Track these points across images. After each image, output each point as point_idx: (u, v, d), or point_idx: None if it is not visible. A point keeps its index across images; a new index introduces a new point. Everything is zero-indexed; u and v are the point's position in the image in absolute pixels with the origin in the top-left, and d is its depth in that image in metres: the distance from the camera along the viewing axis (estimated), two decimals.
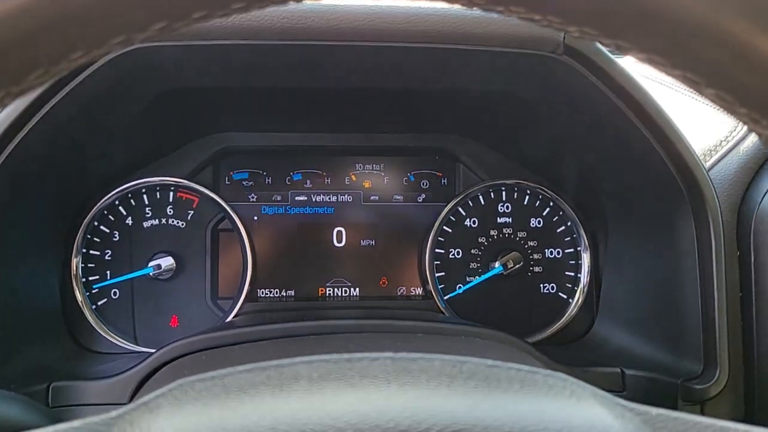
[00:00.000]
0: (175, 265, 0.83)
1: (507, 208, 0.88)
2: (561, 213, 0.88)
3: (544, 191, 0.88)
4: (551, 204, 0.88)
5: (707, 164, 0.70)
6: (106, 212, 0.83)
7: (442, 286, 0.87)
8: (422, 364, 0.35)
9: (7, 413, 0.50)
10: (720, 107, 0.30)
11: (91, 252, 0.82)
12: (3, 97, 0.24)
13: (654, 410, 0.34)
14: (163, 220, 0.84)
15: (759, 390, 0.65)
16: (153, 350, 0.67)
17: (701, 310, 0.66)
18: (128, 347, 0.81)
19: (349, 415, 0.30)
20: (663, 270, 0.72)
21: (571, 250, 0.88)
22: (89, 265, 0.82)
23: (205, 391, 0.33)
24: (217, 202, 0.85)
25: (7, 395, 0.51)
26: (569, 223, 0.88)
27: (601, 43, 0.27)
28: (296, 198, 0.88)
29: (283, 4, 0.26)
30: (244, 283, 0.84)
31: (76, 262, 0.81)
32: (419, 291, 0.88)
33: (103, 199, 0.82)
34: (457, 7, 0.27)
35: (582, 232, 0.87)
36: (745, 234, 0.66)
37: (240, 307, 0.84)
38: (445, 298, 0.87)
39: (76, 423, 0.32)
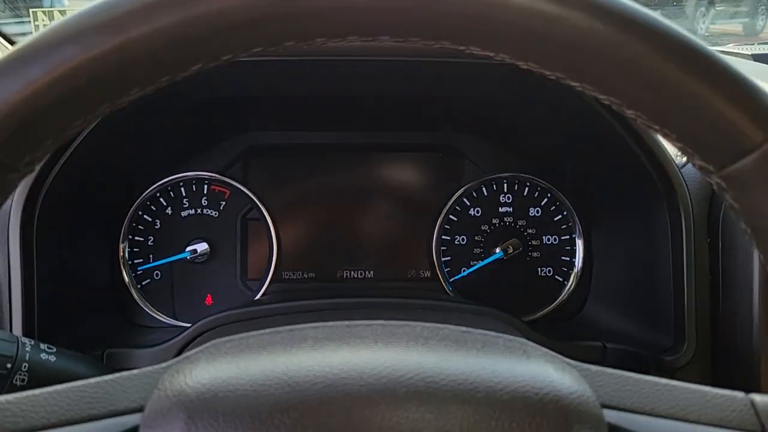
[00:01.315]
0: (209, 249, 0.93)
1: (508, 198, 0.97)
2: (557, 204, 0.96)
3: (542, 184, 0.96)
4: (548, 195, 0.96)
5: (683, 161, 0.77)
6: (149, 203, 0.94)
7: (448, 269, 0.96)
8: (406, 329, 0.44)
9: (75, 369, 0.61)
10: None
11: (137, 238, 0.93)
12: (105, 108, 0.34)
13: (594, 367, 0.43)
14: (199, 210, 0.95)
15: (723, 361, 0.73)
16: (190, 324, 0.77)
17: (673, 291, 0.75)
18: (168, 322, 0.92)
19: (342, 365, 0.39)
20: (643, 256, 0.81)
21: (567, 237, 0.96)
22: (135, 249, 0.93)
23: (233, 348, 0.42)
24: (246, 194, 0.95)
25: (74, 355, 0.62)
26: (565, 213, 0.96)
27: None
28: (316, 190, 0.97)
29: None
30: (271, 266, 0.95)
31: (123, 246, 0.92)
32: (428, 273, 0.97)
33: (146, 192, 0.93)
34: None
35: (576, 221, 0.95)
36: (715, 223, 0.74)
37: (267, 287, 0.94)
38: (451, 280, 0.96)
39: (135, 371, 0.42)
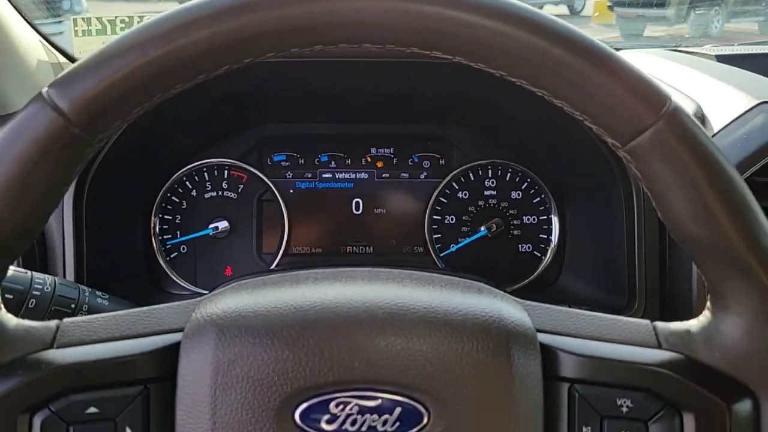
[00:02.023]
0: (229, 227, 1.06)
1: (492, 183, 1.09)
2: (536, 187, 1.08)
3: (522, 170, 1.08)
4: (528, 180, 1.08)
5: None
6: (176, 186, 1.07)
7: (439, 245, 1.08)
8: (386, 272, 0.56)
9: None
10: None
11: (166, 216, 1.06)
12: (158, 99, 0.46)
13: (533, 303, 0.55)
14: (220, 193, 1.08)
15: (669, 318, 0.85)
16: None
17: (627, 259, 0.87)
18: (192, 289, 1.05)
19: (335, 295, 0.49)
20: (605, 230, 0.93)
21: (545, 217, 1.08)
22: (164, 226, 1.06)
23: (252, 285, 0.54)
24: (262, 178, 1.08)
25: (122, 301, 0.75)
26: (542, 196, 1.08)
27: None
28: (323, 175, 1.10)
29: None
30: (282, 242, 1.08)
31: (154, 223, 1.05)
32: (421, 249, 1.10)
33: (175, 176, 1.06)
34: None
35: (552, 203, 1.07)
36: None
37: (279, 260, 1.07)
38: (441, 254, 1.08)
39: (176, 303, 0.55)
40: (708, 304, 0.49)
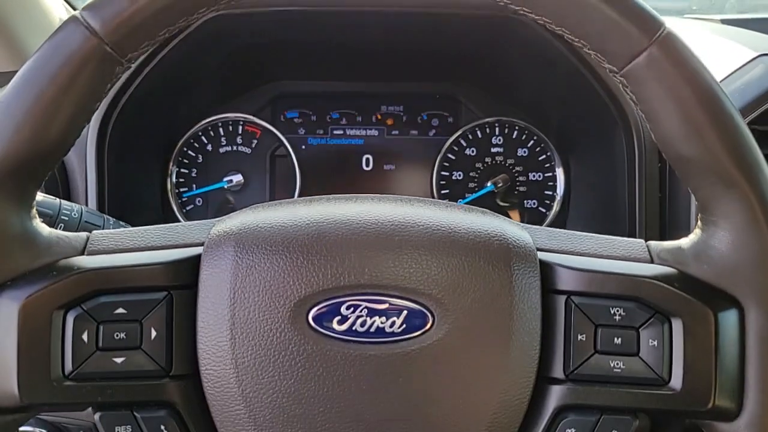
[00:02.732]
0: (243, 180, 1.10)
1: (499, 140, 1.12)
2: (542, 145, 1.11)
3: (529, 127, 1.11)
4: (535, 138, 1.11)
5: None
6: (192, 141, 1.10)
7: (446, 200, 1.12)
8: (397, 196, 0.58)
9: None
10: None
11: (182, 170, 1.10)
12: (183, 22, 0.49)
13: (534, 226, 0.58)
14: (234, 147, 1.11)
15: None
16: None
17: (628, 206, 0.90)
18: None
19: (346, 212, 0.52)
20: (607, 180, 0.96)
21: (550, 174, 1.11)
22: (180, 180, 1.10)
23: (267, 207, 0.55)
24: (275, 134, 1.11)
25: None
26: (549, 153, 1.11)
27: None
28: (334, 132, 1.13)
29: None
30: (294, 195, 1.11)
31: (171, 176, 1.09)
32: None
33: (191, 131, 1.10)
34: None
35: (558, 159, 1.10)
36: None
37: None
38: None
39: (194, 221, 0.58)
40: (699, 222, 0.52)
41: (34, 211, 0.50)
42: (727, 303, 0.50)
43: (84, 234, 0.53)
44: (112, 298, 0.49)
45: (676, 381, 0.50)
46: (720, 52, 0.89)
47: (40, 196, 0.55)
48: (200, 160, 1.10)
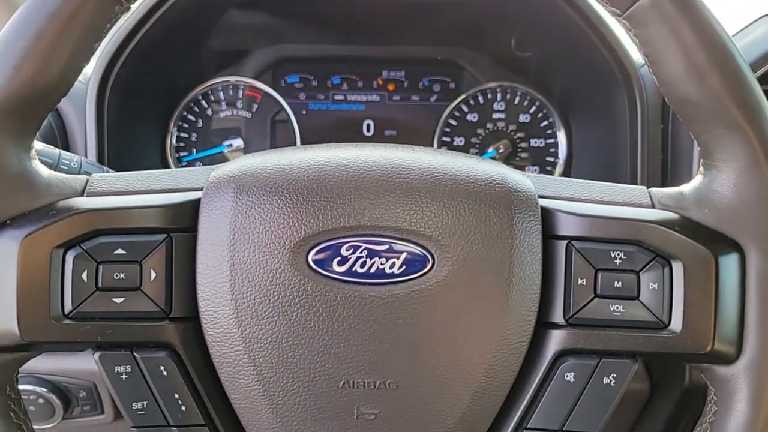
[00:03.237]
0: (243, 145, 1.09)
1: (501, 106, 1.11)
2: (544, 111, 1.11)
3: (532, 93, 1.10)
4: (537, 103, 1.10)
5: (642, 62, 0.91)
6: (192, 104, 1.10)
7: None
8: (397, 144, 0.58)
9: None
10: None
11: (182, 134, 1.10)
12: None
13: (535, 174, 0.58)
14: (235, 112, 1.11)
15: None
16: None
17: (630, 169, 0.89)
18: None
19: (347, 156, 0.52)
20: (609, 143, 0.95)
21: (552, 140, 1.10)
22: (180, 144, 1.10)
23: (268, 152, 0.55)
24: (276, 99, 1.10)
25: None
26: (551, 119, 1.10)
27: None
28: (335, 97, 1.13)
29: None
30: None
31: (171, 140, 1.09)
32: None
33: (191, 95, 1.09)
34: None
35: (560, 126, 1.09)
36: (667, 111, 0.88)
37: None
38: None
39: (194, 167, 0.58)
40: (701, 167, 0.51)
41: (33, 152, 0.50)
42: (728, 247, 0.50)
43: (83, 176, 0.53)
44: (112, 238, 0.49)
45: (676, 324, 0.50)
46: (724, 12, 0.88)
47: (39, 145, 0.55)
48: (200, 124, 1.10)
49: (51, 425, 0.92)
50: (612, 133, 0.94)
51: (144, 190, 0.53)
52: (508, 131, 1.11)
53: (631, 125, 0.88)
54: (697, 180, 0.52)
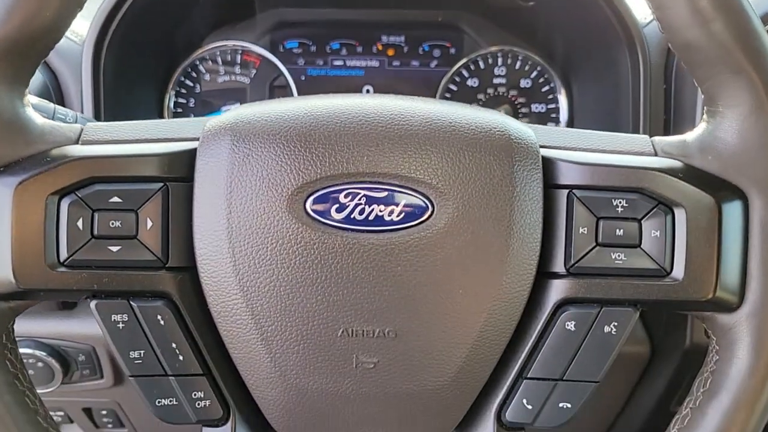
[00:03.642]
0: None
1: (502, 71, 1.10)
2: (546, 75, 1.09)
3: (533, 57, 1.09)
4: (538, 68, 1.09)
5: (647, 19, 0.90)
6: (189, 70, 1.09)
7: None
8: (404, 96, 0.56)
9: None
10: None
11: (179, 100, 1.08)
12: None
13: (538, 125, 0.57)
14: (233, 77, 1.09)
15: None
16: None
17: (632, 129, 0.88)
18: None
19: (346, 103, 0.51)
20: (611, 106, 0.94)
21: (553, 105, 1.09)
22: (177, 110, 1.09)
23: (265, 102, 0.55)
24: (275, 64, 1.09)
25: None
26: (552, 84, 1.09)
27: None
28: (334, 62, 1.12)
29: None
30: None
31: (168, 105, 1.08)
32: None
33: (188, 59, 1.08)
34: None
35: (562, 90, 1.08)
36: (670, 71, 0.87)
37: None
38: None
39: (190, 118, 0.57)
40: (704, 115, 0.51)
41: (26, 99, 0.49)
42: (732, 194, 0.49)
43: (78, 125, 0.52)
44: (107, 186, 0.49)
45: (678, 271, 0.49)
46: None
47: (34, 99, 0.54)
48: (198, 89, 1.09)
49: (50, 389, 0.92)
50: (614, 94, 0.93)
51: (140, 140, 0.52)
52: (509, 96, 1.10)
53: (633, 86, 0.87)
54: (700, 128, 0.51)
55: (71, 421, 1.08)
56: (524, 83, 1.10)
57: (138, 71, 0.99)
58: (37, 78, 0.86)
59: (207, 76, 1.09)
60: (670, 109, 0.86)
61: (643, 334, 0.88)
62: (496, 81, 1.10)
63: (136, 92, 1.00)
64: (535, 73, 1.09)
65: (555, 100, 1.09)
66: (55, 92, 0.87)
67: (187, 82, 1.09)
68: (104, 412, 1.04)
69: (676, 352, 0.85)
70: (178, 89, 1.08)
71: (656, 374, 0.90)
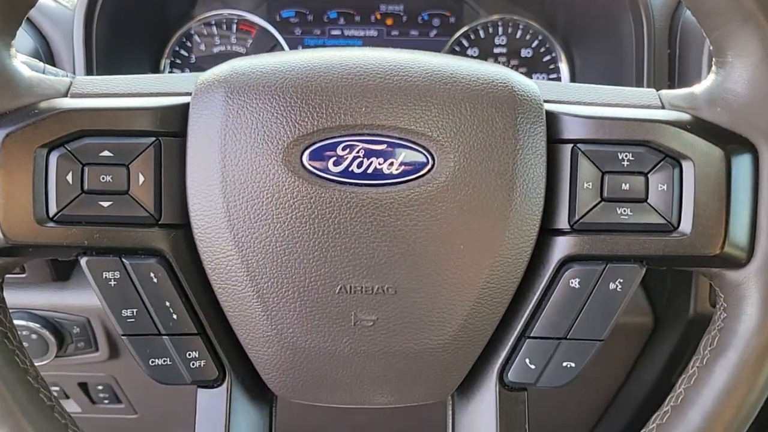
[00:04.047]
0: None
1: (503, 41, 1.08)
2: (547, 45, 1.07)
3: (534, 26, 1.07)
4: (540, 37, 1.07)
5: None
6: (184, 39, 1.07)
7: None
8: (404, 49, 0.54)
9: None
10: None
11: (174, 71, 1.07)
12: None
13: (543, 81, 0.55)
14: (228, 47, 1.07)
15: None
16: None
17: None
18: None
19: (344, 53, 0.50)
20: (613, 72, 0.93)
21: (555, 75, 1.07)
22: None
23: (259, 55, 0.53)
24: (271, 33, 1.07)
25: None
26: (554, 54, 1.07)
27: None
28: (332, 32, 1.10)
29: None
30: None
31: (162, 69, 1.06)
32: None
33: (182, 29, 1.06)
34: None
35: (564, 59, 1.06)
36: (675, 36, 0.85)
37: None
38: None
39: (182, 74, 0.55)
40: (713, 67, 0.49)
41: (13, 50, 0.48)
42: (741, 146, 0.48)
43: (67, 78, 0.51)
44: (98, 140, 0.47)
45: (686, 225, 0.48)
46: None
47: (23, 57, 0.52)
48: (193, 60, 1.07)
49: (45, 362, 0.90)
50: (617, 62, 0.91)
51: (131, 93, 0.51)
52: (510, 66, 1.08)
53: (637, 52, 0.86)
54: (709, 79, 0.50)
55: (67, 397, 1.07)
56: (525, 52, 1.08)
57: (131, 39, 0.97)
58: (28, 43, 0.84)
59: (202, 46, 1.07)
60: (674, 75, 0.85)
61: (646, 304, 0.87)
62: (496, 50, 1.08)
63: (130, 61, 0.98)
64: (536, 43, 1.07)
65: (556, 70, 1.07)
66: (47, 59, 0.85)
67: (182, 51, 1.07)
68: (100, 387, 1.03)
69: (680, 323, 0.84)
70: (172, 59, 1.06)
71: (659, 345, 0.89)
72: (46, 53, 0.85)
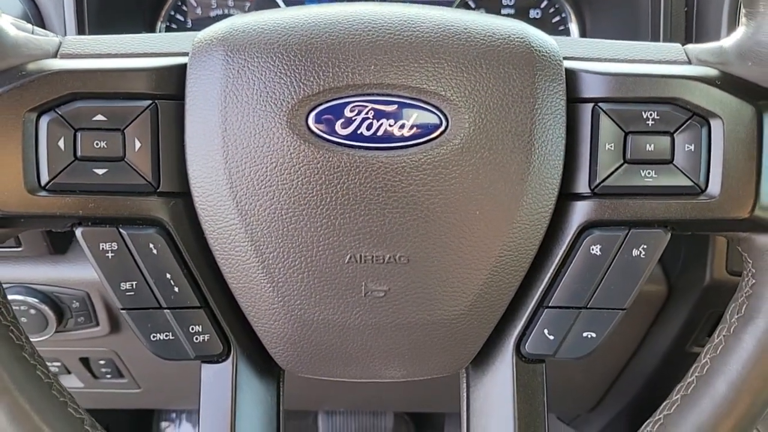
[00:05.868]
0: None
1: (510, 1, 1.04)
2: (557, 5, 1.04)
3: None
4: None
5: None
6: (180, 2, 1.03)
7: None
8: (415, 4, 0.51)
9: None
10: None
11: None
12: None
13: (562, 37, 0.52)
14: (226, 11, 1.04)
15: None
16: None
17: None
18: None
19: (350, 9, 0.46)
20: (628, 31, 0.89)
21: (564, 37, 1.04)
22: None
23: (257, 12, 0.50)
24: None
25: None
26: (564, 15, 1.04)
27: None
28: None
29: None
30: None
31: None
32: None
33: None
34: None
35: (574, 20, 1.03)
36: None
37: None
38: None
39: (179, 33, 0.51)
40: (742, 18, 0.46)
41: None
42: None
43: (56, 38, 0.48)
44: (90, 103, 0.44)
45: (714, 188, 0.45)
46: None
47: (9, 18, 0.49)
48: (189, 24, 1.03)
49: (44, 337, 0.89)
50: (631, 20, 0.87)
51: (125, 54, 0.48)
52: None
53: (653, 10, 0.82)
54: (738, 32, 0.46)
55: (69, 372, 1.05)
56: (533, 13, 1.04)
57: (124, 2, 0.93)
58: (16, 6, 0.80)
59: (198, 10, 1.03)
60: (691, 35, 0.81)
61: (659, 271, 0.85)
62: (504, 12, 1.04)
63: (124, 25, 0.94)
64: (545, 3, 1.04)
65: (567, 31, 1.03)
66: (36, 23, 0.82)
67: (178, 16, 1.03)
68: (102, 362, 1.02)
69: (694, 291, 0.82)
70: (168, 24, 1.03)
71: (672, 314, 0.87)
72: (36, 17, 0.82)
